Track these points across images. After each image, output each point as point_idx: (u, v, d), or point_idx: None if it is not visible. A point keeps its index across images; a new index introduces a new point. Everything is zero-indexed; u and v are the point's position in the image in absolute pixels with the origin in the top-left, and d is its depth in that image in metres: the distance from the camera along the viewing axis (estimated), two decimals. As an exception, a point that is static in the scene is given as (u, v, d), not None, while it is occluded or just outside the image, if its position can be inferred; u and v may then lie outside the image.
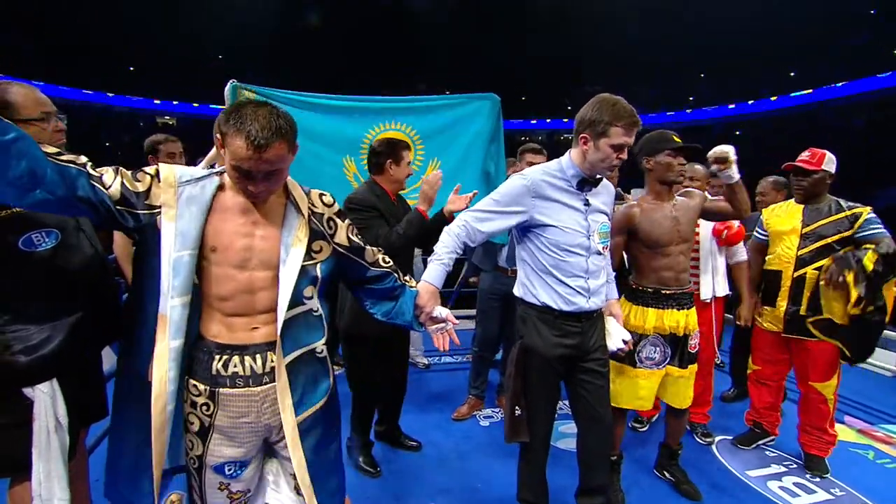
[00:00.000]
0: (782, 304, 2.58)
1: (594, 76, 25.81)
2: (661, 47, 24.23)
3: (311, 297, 1.29)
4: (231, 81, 2.54)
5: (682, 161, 2.15)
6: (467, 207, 2.20)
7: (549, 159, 2.93)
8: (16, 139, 0.99)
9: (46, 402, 1.42)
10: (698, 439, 2.97)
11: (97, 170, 1.15)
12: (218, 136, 1.19)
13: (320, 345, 1.34)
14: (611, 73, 23.07)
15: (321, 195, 1.38)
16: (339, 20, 25.72)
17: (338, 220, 1.38)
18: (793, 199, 2.68)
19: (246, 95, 2.57)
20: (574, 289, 1.78)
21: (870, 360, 4.37)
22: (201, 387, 1.22)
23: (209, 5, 23.42)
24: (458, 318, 1.59)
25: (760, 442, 2.88)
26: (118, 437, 1.31)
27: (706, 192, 2.50)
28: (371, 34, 26.00)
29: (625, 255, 2.38)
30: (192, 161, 2.79)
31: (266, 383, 1.25)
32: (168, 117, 28.09)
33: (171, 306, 1.14)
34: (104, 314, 1.62)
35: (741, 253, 2.98)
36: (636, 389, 2.22)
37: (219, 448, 1.25)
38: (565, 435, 2.89)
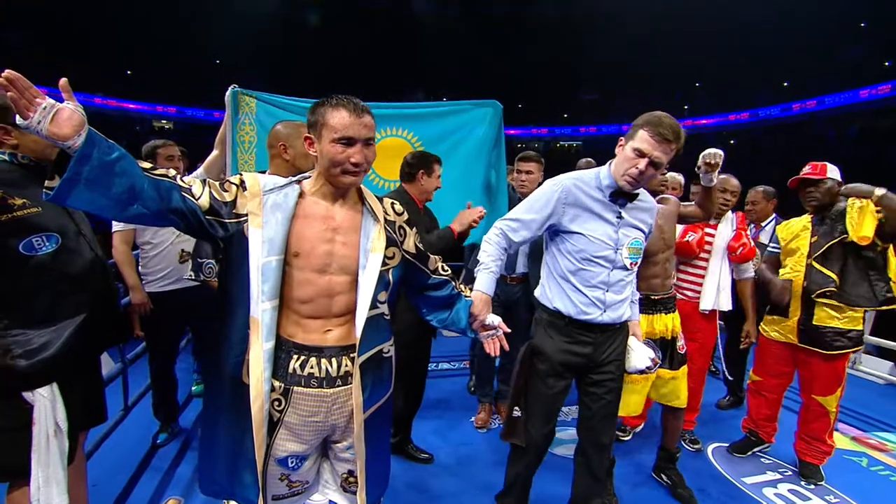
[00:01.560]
0: (795, 313, 2.58)
1: (591, 85, 26.04)
2: (658, 58, 24.47)
3: (383, 302, 1.34)
4: (232, 87, 2.55)
5: (663, 171, 2.18)
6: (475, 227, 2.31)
7: (545, 167, 3.00)
8: (119, 158, 1.05)
9: (46, 406, 1.43)
10: (686, 445, 2.99)
11: (186, 181, 1.20)
12: (309, 135, 1.27)
13: (388, 345, 1.40)
14: (608, 83, 23.27)
15: (392, 204, 1.43)
16: (339, 28, 25.84)
17: (407, 228, 1.43)
18: (806, 215, 2.65)
19: (246, 101, 2.59)
20: (590, 299, 1.76)
21: (863, 367, 4.44)
22: (276, 383, 1.25)
23: (208, 10, 23.48)
24: None
25: (756, 450, 2.90)
26: (212, 433, 1.36)
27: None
28: (371, 42, 26.13)
29: None
30: (192, 166, 2.80)
31: (338, 385, 1.30)
32: (165, 121, 28.10)
33: (263, 310, 1.20)
34: (104, 318, 1.62)
35: (749, 270, 2.96)
36: (628, 394, 2.21)
37: (284, 443, 1.30)
38: (563, 441, 2.89)
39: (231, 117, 2.52)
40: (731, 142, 27.77)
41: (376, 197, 1.40)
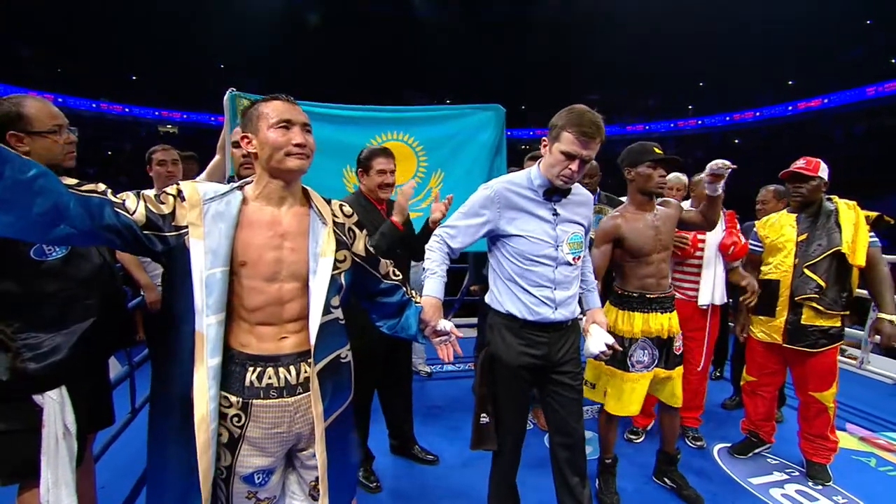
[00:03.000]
0: (783, 313, 2.57)
1: (594, 85, 25.99)
2: (661, 57, 24.41)
3: (337, 307, 1.31)
4: (230, 90, 2.56)
5: (662, 173, 2.18)
6: (444, 215, 2.20)
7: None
8: (37, 176, 0.97)
9: (55, 408, 1.44)
10: (689, 443, 2.99)
11: (118, 196, 1.14)
12: (245, 135, 1.28)
13: (345, 350, 1.37)
14: (611, 83, 23.23)
15: (341, 205, 1.41)
16: (341, 31, 25.92)
17: (356, 230, 1.41)
18: (785, 210, 2.69)
19: (244, 105, 2.60)
20: (539, 299, 1.77)
21: (871, 367, 4.41)
22: (233, 399, 1.21)
23: (211, 15, 23.61)
24: (459, 326, 1.62)
25: (757, 450, 2.89)
26: (161, 457, 1.26)
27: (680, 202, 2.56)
28: (372, 45, 26.19)
29: None
30: (201, 171, 2.82)
31: (299, 393, 1.26)
32: (170, 126, 28.24)
33: (208, 324, 1.15)
34: (112, 322, 1.64)
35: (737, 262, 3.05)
36: (629, 394, 2.24)
37: (248, 458, 1.25)
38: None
39: (229, 121, 2.52)
40: (736, 141, 27.66)
41: (323, 199, 1.37)
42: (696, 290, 2.87)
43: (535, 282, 1.77)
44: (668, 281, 2.33)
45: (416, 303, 1.59)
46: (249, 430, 1.23)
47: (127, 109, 26.32)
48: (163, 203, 1.17)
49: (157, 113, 27.60)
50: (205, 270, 1.15)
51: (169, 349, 1.22)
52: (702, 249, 2.84)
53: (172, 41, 23.61)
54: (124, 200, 1.14)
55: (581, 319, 1.95)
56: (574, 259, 1.81)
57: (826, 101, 23.94)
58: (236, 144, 1.88)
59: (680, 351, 2.34)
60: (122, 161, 21.78)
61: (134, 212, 1.13)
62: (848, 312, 2.50)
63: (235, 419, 1.22)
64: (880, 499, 2.50)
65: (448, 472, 2.65)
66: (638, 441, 3.07)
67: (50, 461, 1.43)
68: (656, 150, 2.17)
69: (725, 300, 2.97)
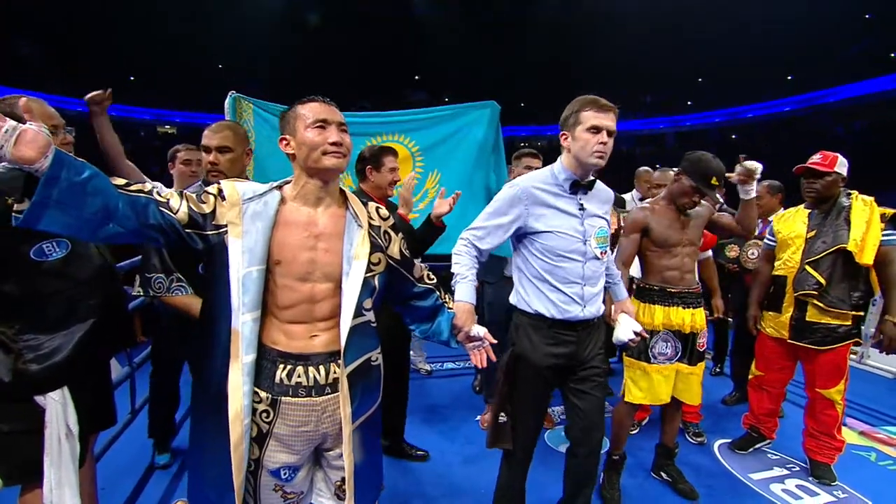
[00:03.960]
0: (788, 309, 2.56)
1: (594, 81, 25.96)
2: (660, 52, 24.36)
3: (369, 309, 1.31)
4: (231, 93, 2.57)
5: (698, 198, 2.23)
6: (451, 210, 2.25)
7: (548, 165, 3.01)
8: (91, 177, 1.01)
9: (58, 409, 1.44)
10: (690, 438, 3.00)
11: (162, 195, 1.17)
12: (284, 137, 1.29)
13: (376, 353, 1.37)
14: (610, 79, 23.20)
15: (377, 208, 1.41)
16: (341, 31, 25.87)
17: (392, 233, 1.40)
18: (802, 205, 2.64)
19: (244, 107, 2.61)
20: (569, 296, 1.77)
21: (871, 361, 4.41)
22: (263, 394, 1.23)
23: (211, 15, 23.58)
24: None
25: (757, 446, 2.89)
26: (200, 448, 1.33)
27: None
28: (372, 46, 26.15)
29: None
30: None
31: (328, 393, 1.27)
32: (169, 126, 28.23)
33: (243, 322, 1.18)
34: (113, 323, 1.65)
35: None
36: (652, 384, 2.28)
37: (275, 454, 1.27)
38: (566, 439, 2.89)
39: None
40: (732, 136, 27.65)
41: (361, 201, 1.38)
42: None
43: (564, 278, 1.77)
44: (693, 277, 2.34)
45: (449, 308, 1.59)
46: (277, 426, 1.24)
47: (126, 110, 26.37)
48: (204, 202, 1.20)
49: (155, 113, 27.59)
50: (242, 269, 1.18)
51: (206, 345, 1.25)
52: None
53: (172, 41, 23.56)
54: (168, 199, 1.17)
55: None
56: (601, 254, 1.83)
57: (826, 96, 23.91)
58: (206, 149, 1.88)
59: (703, 348, 2.37)
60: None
61: (177, 211, 1.16)
62: (862, 313, 2.46)
63: (264, 415, 1.23)
64: (881, 493, 2.50)
65: (448, 470, 2.66)
66: (633, 432, 3.07)
67: (53, 462, 1.44)
68: (714, 181, 2.15)
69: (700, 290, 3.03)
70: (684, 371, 2.33)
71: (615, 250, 2.36)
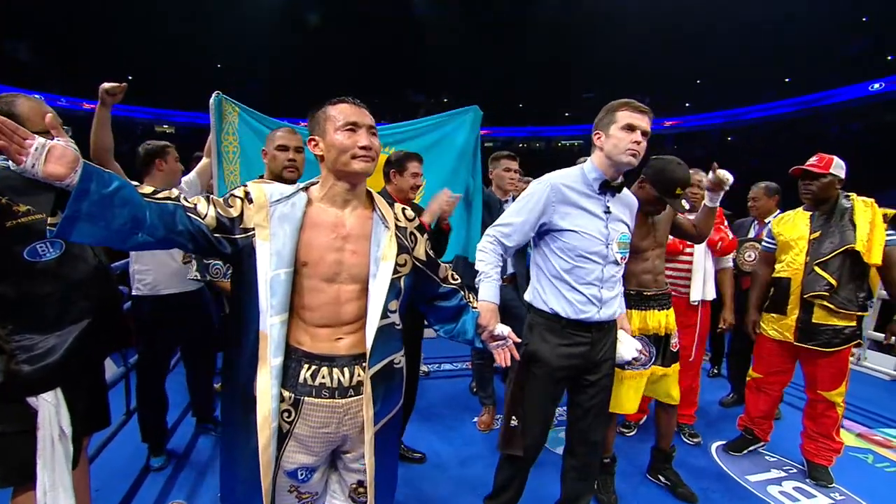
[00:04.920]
0: (794, 312, 2.55)
1: (591, 83, 26.00)
2: (658, 54, 24.40)
3: (394, 311, 1.31)
4: (216, 94, 2.52)
5: (663, 207, 2.22)
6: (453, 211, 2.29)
7: (546, 166, 3.00)
8: (119, 188, 1.02)
9: (51, 411, 1.44)
10: (685, 440, 3.00)
11: (190, 200, 1.17)
12: (312, 137, 1.28)
13: (399, 356, 1.37)
14: (608, 81, 23.19)
15: (403, 209, 1.41)
16: (341, 31, 25.87)
17: (418, 235, 1.40)
18: (801, 207, 2.65)
19: (230, 110, 2.58)
20: (587, 297, 1.77)
21: (868, 363, 4.42)
22: (285, 394, 1.22)
23: (211, 15, 23.57)
24: None
25: (751, 448, 2.89)
26: (230, 445, 1.33)
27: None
28: (372, 46, 26.15)
29: None
30: (188, 171, 2.80)
31: (351, 396, 1.26)
32: (166, 126, 28.20)
33: (271, 324, 1.17)
34: (107, 324, 1.64)
35: (727, 260, 3.12)
36: (625, 391, 2.23)
37: (293, 455, 1.26)
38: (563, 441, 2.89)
39: (215, 125, 2.51)
40: (729, 139, 27.71)
41: (387, 202, 1.37)
42: (688, 286, 2.91)
43: (583, 279, 1.76)
44: (664, 278, 2.34)
45: (473, 307, 1.59)
46: (298, 427, 1.24)
47: (123, 109, 26.33)
48: (231, 206, 1.20)
49: (154, 113, 27.57)
50: (270, 272, 1.17)
51: (235, 347, 1.25)
52: (691, 246, 2.88)
53: (172, 41, 23.56)
54: (196, 205, 1.17)
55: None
56: (621, 259, 1.82)
57: (824, 98, 23.96)
58: (284, 148, 1.91)
59: (676, 348, 2.35)
60: (120, 161, 21.71)
61: (205, 215, 1.16)
62: (867, 314, 2.46)
63: (286, 414, 1.23)
64: (878, 495, 2.50)
65: (445, 471, 2.65)
66: (629, 434, 3.08)
67: (46, 464, 1.43)
68: (679, 190, 2.10)
69: (715, 296, 3.01)
70: (658, 373, 2.31)
71: None
